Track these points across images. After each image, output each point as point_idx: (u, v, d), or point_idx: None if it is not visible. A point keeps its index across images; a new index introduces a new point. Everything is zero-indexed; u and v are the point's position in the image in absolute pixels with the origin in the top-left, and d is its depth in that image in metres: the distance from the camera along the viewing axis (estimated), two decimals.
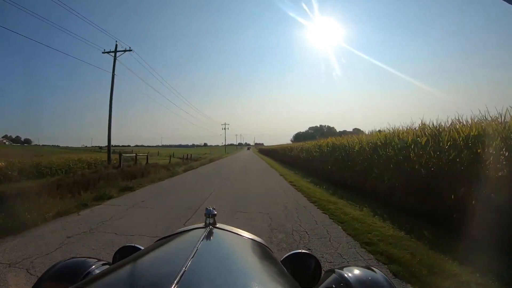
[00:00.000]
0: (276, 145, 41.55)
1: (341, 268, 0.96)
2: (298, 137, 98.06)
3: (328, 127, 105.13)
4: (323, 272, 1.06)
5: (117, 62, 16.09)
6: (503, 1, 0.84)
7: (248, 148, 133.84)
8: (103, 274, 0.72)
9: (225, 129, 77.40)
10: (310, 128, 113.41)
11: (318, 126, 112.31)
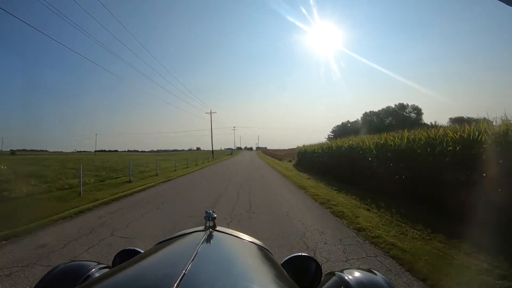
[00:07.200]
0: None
1: (342, 271, 0.97)
2: (345, 129, 55.03)
3: (416, 108, 57.58)
4: (323, 274, 1.06)
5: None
6: (503, 3, 0.85)
7: (251, 149, 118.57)
8: (102, 278, 0.71)
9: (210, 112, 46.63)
10: (365, 114, 64.21)
11: (393, 106, 60.52)
